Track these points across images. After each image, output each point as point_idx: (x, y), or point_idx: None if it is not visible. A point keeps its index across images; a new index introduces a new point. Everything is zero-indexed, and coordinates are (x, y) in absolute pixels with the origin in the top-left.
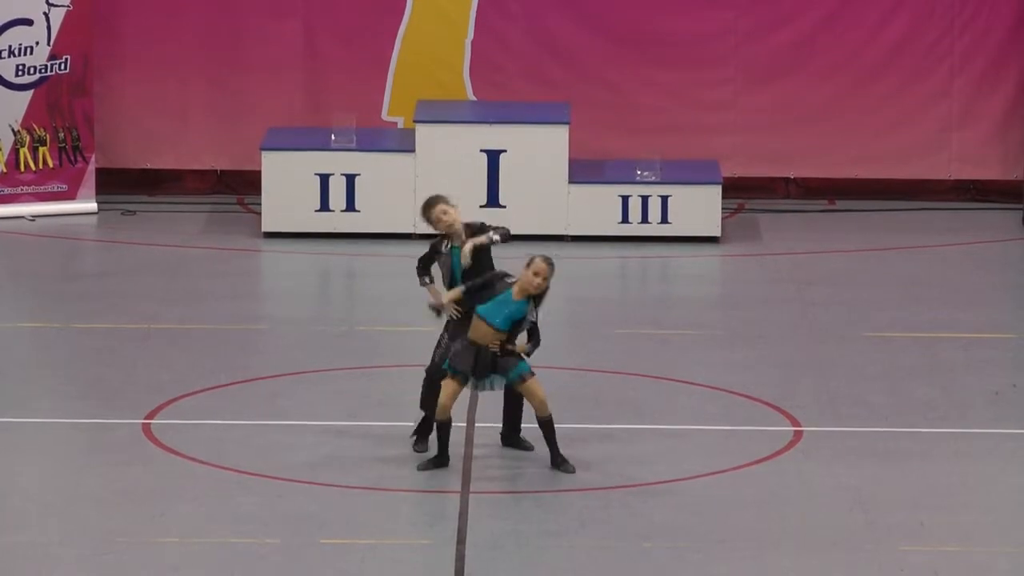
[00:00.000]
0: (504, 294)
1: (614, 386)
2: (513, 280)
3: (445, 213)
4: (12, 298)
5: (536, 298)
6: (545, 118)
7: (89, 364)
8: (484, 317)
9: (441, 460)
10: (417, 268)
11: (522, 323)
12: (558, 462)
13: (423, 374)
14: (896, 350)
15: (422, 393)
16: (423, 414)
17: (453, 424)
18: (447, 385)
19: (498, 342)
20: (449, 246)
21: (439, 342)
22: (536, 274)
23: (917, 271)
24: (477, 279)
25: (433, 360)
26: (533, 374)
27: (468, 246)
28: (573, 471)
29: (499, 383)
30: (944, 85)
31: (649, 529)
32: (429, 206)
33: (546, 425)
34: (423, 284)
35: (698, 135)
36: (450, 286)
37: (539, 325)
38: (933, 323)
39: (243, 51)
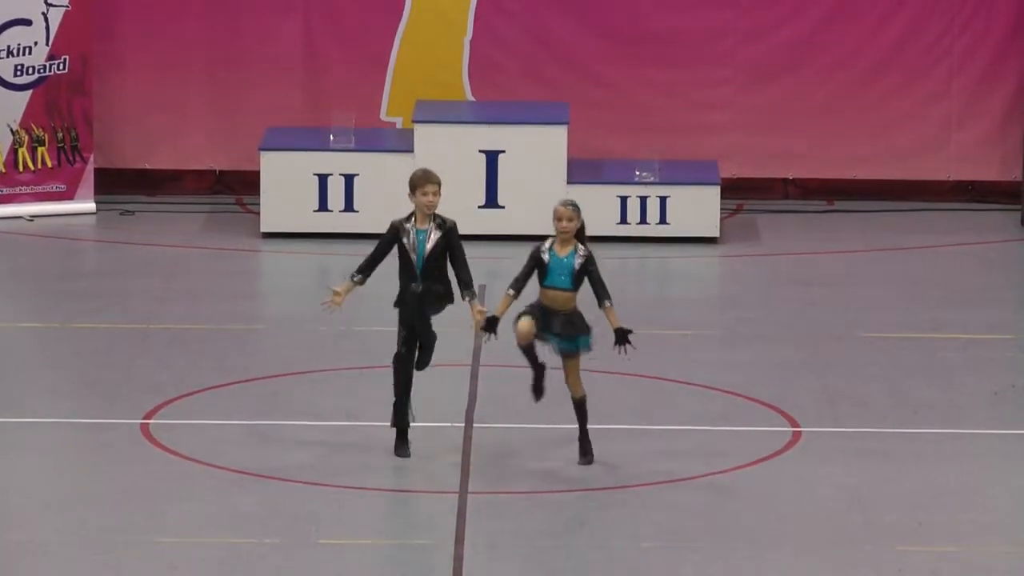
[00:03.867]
0: (552, 258)
1: (612, 386)
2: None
3: (435, 195)
4: (10, 298)
5: (579, 241)
6: (544, 118)
7: (87, 364)
8: (551, 285)
9: (538, 375)
10: (363, 263)
11: (582, 271)
12: (585, 449)
13: (419, 375)
14: (895, 350)
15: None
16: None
17: (453, 425)
18: (523, 320)
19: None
20: (415, 227)
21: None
22: (558, 219)
23: (916, 271)
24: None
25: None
26: (590, 349)
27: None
28: (587, 463)
29: (558, 346)
30: (943, 85)
31: (648, 529)
32: (423, 181)
33: (581, 406)
34: (353, 280)
35: (697, 135)
36: (408, 271)
37: (600, 274)
38: (932, 323)
39: (242, 51)
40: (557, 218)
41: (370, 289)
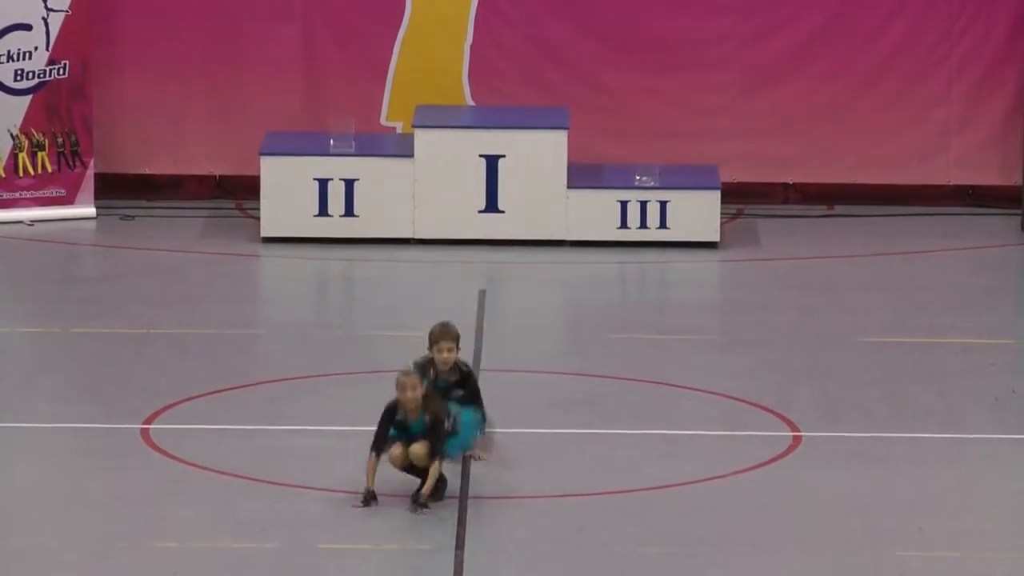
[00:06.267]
0: (410, 423)
1: (612, 391)
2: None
3: (451, 352)
4: (11, 303)
5: (427, 409)
6: (544, 123)
7: (87, 369)
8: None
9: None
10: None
11: (435, 431)
12: (418, 494)
13: None
14: (895, 355)
15: None
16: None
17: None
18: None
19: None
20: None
21: None
22: (402, 390)
23: (916, 276)
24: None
25: None
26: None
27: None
28: (424, 509)
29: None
30: (943, 90)
31: (647, 534)
32: (438, 338)
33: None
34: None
35: (697, 140)
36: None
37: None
38: (932, 328)
39: (242, 56)
40: (400, 388)
41: (368, 294)
